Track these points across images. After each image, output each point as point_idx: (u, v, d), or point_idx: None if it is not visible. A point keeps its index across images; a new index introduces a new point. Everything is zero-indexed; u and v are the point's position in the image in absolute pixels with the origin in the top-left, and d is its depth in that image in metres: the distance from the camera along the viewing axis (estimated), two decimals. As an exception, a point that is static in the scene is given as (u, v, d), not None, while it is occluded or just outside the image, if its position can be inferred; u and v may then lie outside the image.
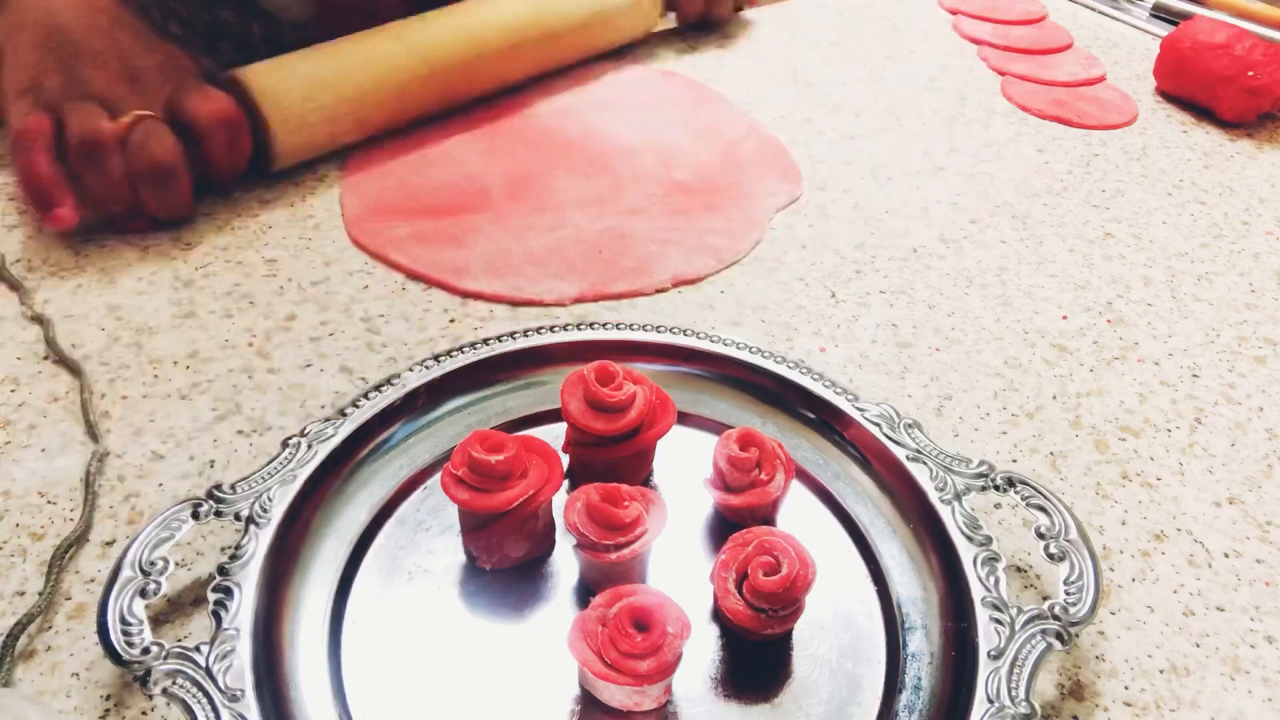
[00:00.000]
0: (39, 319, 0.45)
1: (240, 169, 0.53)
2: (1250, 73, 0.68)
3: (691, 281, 0.51)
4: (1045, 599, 0.34)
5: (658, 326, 0.43)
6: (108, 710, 0.31)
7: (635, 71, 0.71)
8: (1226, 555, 0.39)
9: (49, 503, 0.37)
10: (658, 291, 0.50)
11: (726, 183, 0.59)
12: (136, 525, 0.36)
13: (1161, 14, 0.88)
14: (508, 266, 0.51)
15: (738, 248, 0.54)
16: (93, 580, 0.35)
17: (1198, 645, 0.35)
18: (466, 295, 0.49)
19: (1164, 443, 0.44)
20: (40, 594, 0.34)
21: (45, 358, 0.43)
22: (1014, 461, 0.42)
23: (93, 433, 0.40)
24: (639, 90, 0.69)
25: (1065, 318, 0.51)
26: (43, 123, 0.47)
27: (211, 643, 0.30)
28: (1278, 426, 0.45)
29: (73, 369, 0.43)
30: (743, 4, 0.80)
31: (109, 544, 0.36)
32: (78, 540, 0.36)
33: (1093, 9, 0.90)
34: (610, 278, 0.51)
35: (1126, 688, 0.34)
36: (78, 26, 0.50)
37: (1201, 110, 0.72)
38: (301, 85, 0.54)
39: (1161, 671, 0.35)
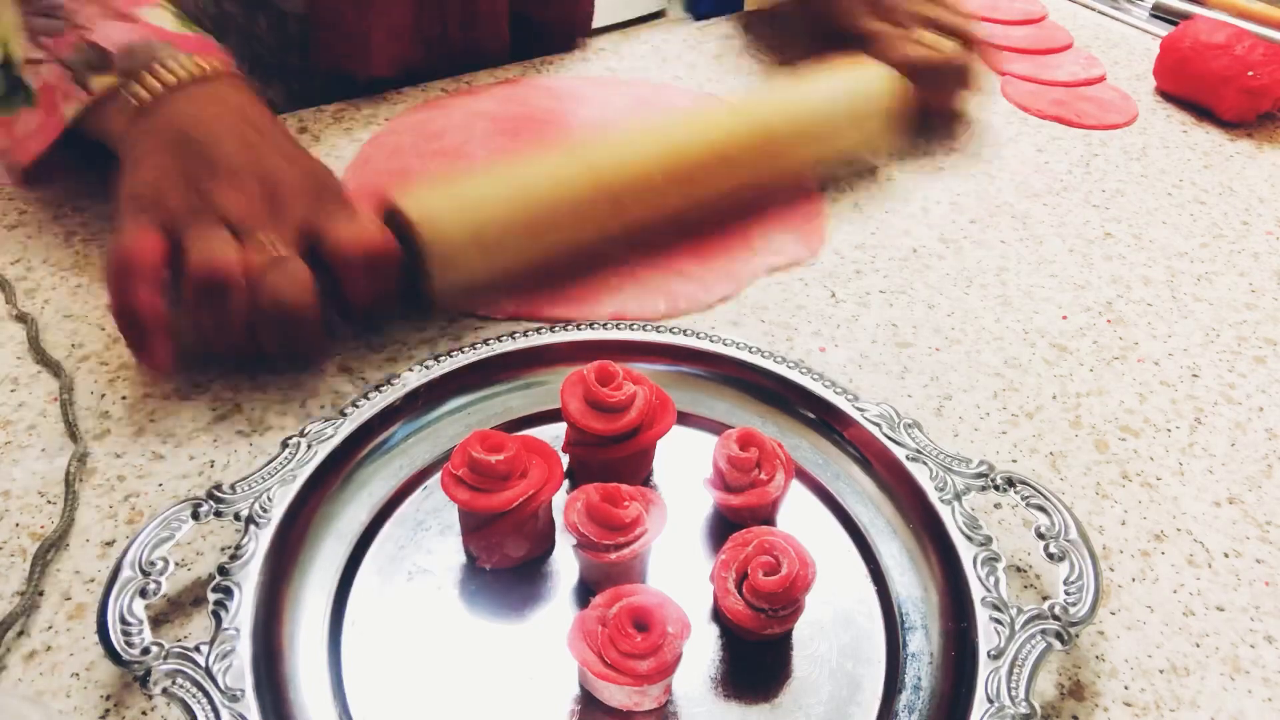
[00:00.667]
0: (22, 318, 0.45)
1: (375, 306, 0.44)
2: (1250, 73, 0.68)
3: (632, 318, 0.47)
4: (1045, 599, 0.34)
5: (658, 326, 0.43)
6: (108, 710, 0.31)
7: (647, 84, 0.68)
8: (1226, 555, 0.39)
9: (49, 503, 0.37)
10: (589, 325, 0.44)
11: (736, 233, 0.54)
12: (136, 525, 0.36)
13: (1161, 14, 0.87)
14: None
15: (699, 298, 0.49)
16: (93, 580, 0.35)
17: (1198, 645, 0.35)
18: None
19: (1164, 443, 0.44)
20: (22, 594, 0.34)
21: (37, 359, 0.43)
22: (1014, 461, 0.42)
23: (73, 433, 0.40)
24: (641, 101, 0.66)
25: (1065, 318, 0.51)
26: (155, 244, 0.40)
27: (211, 643, 0.30)
28: (1278, 426, 0.45)
29: (54, 369, 0.43)
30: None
31: (109, 544, 0.36)
32: (59, 540, 0.36)
33: (1093, 9, 0.90)
34: (555, 301, 0.48)
35: (1126, 688, 0.34)
36: (225, 141, 0.43)
37: (1201, 110, 0.72)
38: (467, 217, 0.45)
39: (1161, 671, 0.35)
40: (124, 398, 0.42)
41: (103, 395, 0.42)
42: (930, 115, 0.64)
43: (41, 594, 0.34)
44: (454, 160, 0.58)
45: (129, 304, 0.39)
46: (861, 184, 0.60)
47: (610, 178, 0.49)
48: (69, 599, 0.34)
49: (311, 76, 0.65)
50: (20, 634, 0.33)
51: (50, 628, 0.33)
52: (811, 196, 0.57)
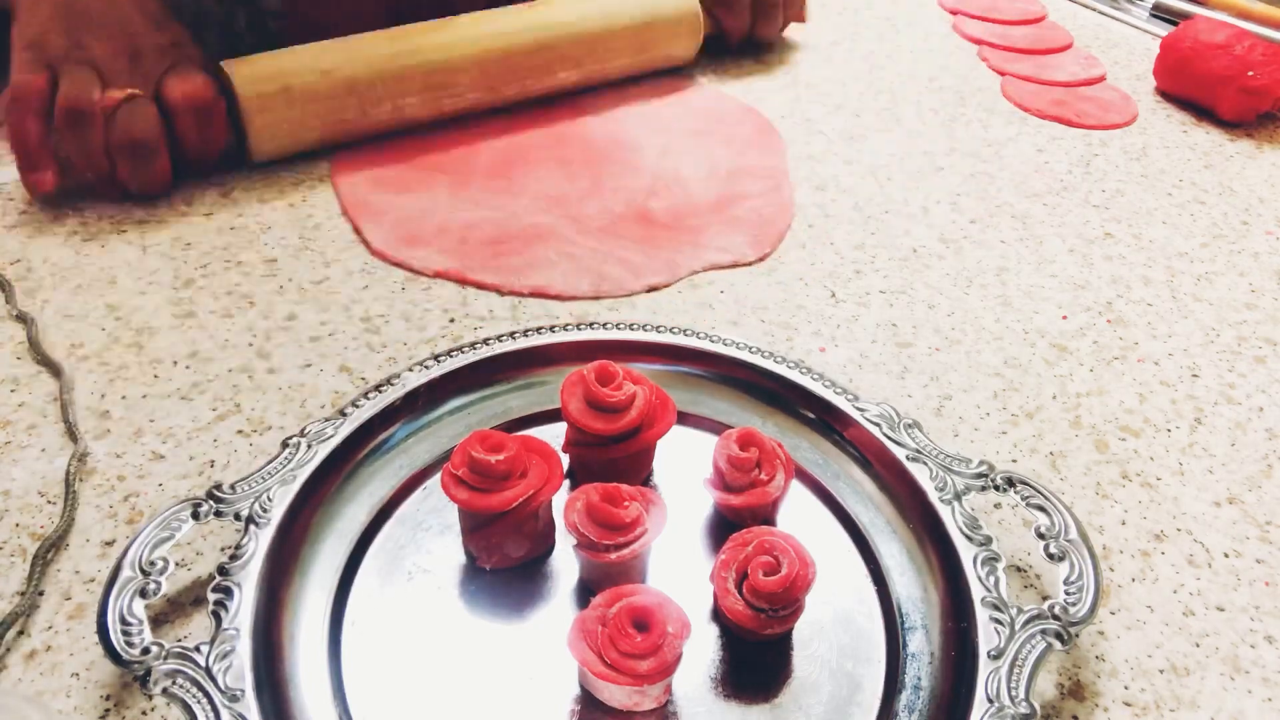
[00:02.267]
0: (22, 318, 0.45)
1: (213, 155, 0.54)
2: (1250, 73, 0.68)
3: (553, 296, 0.49)
4: (1045, 599, 0.34)
5: (658, 326, 0.43)
6: (108, 710, 0.31)
7: (700, 91, 0.70)
8: (1226, 555, 0.39)
9: (49, 503, 0.37)
10: (511, 293, 0.49)
11: (690, 225, 0.55)
12: (136, 525, 0.36)
13: (1161, 14, 0.88)
14: (416, 223, 0.53)
15: (626, 283, 0.50)
16: (93, 580, 0.35)
17: (1198, 645, 0.35)
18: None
19: (1164, 443, 0.44)
20: (22, 594, 0.34)
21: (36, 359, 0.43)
22: (1014, 461, 0.42)
23: (72, 433, 0.40)
24: (692, 109, 0.67)
25: (1065, 318, 0.51)
26: (38, 81, 0.49)
27: (211, 643, 0.30)
28: (1278, 426, 0.45)
29: (53, 370, 0.43)
30: (789, 20, 0.76)
31: (109, 544, 0.36)
32: (59, 540, 0.36)
33: (1093, 9, 0.90)
34: (486, 265, 0.51)
35: (1126, 688, 0.34)
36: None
37: (1201, 110, 0.72)
38: (281, 76, 0.55)
39: (1161, 671, 0.35)
40: (124, 398, 0.42)
41: (103, 395, 0.42)
42: (728, 37, 0.73)
43: (41, 594, 0.34)
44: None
45: (20, 130, 0.49)
46: (862, 184, 0.60)
47: (414, 62, 0.58)
48: (69, 599, 0.34)
49: None
50: (20, 634, 0.33)
51: (50, 628, 0.33)
52: (782, 205, 0.58)
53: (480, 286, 0.50)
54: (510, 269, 0.51)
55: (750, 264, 0.53)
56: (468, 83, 0.61)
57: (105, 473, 0.39)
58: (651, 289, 0.50)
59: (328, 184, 0.56)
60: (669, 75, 0.71)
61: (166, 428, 0.41)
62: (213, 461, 0.39)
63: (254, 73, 0.54)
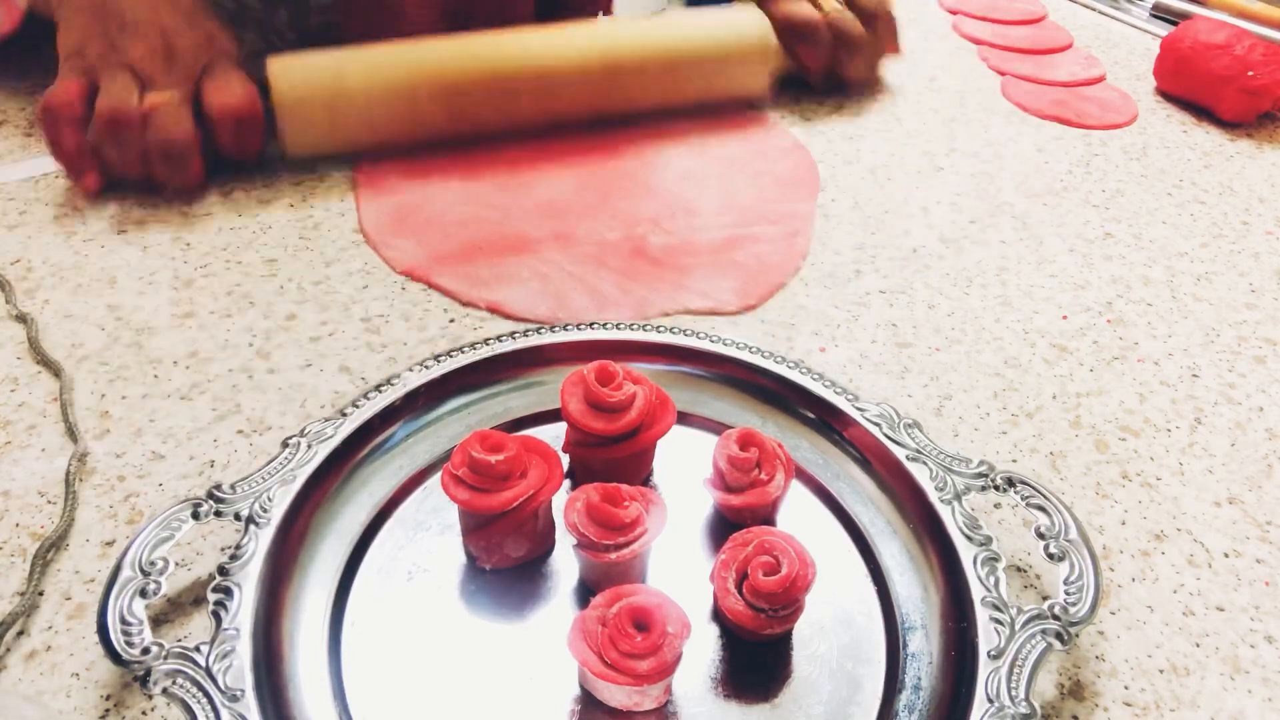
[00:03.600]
0: (22, 318, 0.45)
1: (250, 156, 0.55)
2: (1250, 73, 0.68)
3: (506, 314, 0.48)
4: (1045, 599, 0.34)
5: (658, 326, 0.43)
6: (108, 710, 0.31)
7: (760, 126, 0.65)
8: (1226, 555, 0.39)
9: (49, 503, 0.37)
10: (468, 304, 0.48)
11: (680, 264, 0.52)
12: (136, 525, 0.36)
13: (1161, 14, 0.88)
14: (410, 211, 0.54)
15: (588, 314, 0.48)
16: (93, 580, 0.35)
17: (1198, 645, 0.35)
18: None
19: (1164, 443, 0.44)
20: (22, 594, 0.34)
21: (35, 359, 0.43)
22: (1014, 461, 0.42)
23: (72, 433, 0.40)
24: (738, 140, 0.63)
25: (1065, 318, 0.51)
26: (72, 90, 0.50)
27: (211, 643, 0.30)
28: (1278, 426, 0.45)
29: (54, 370, 0.43)
30: (879, 56, 0.70)
31: (109, 544, 0.36)
32: (59, 540, 0.36)
33: (1093, 9, 0.90)
34: (455, 269, 0.50)
35: (1126, 688, 0.34)
36: (137, 2, 0.52)
37: (1201, 110, 0.72)
38: (325, 79, 0.54)
39: (1161, 671, 0.35)
40: (124, 398, 0.42)
41: (103, 395, 0.42)
42: (808, 73, 0.68)
43: (41, 594, 0.34)
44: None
45: (57, 143, 0.51)
46: (862, 184, 0.60)
47: (473, 76, 0.57)
48: (69, 599, 0.34)
49: None
50: (20, 634, 0.33)
51: (50, 628, 0.33)
52: (790, 254, 0.53)
53: (441, 291, 0.49)
54: (476, 277, 0.50)
55: (730, 313, 0.49)
56: (529, 102, 0.59)
57: (105, 473, 0.39)
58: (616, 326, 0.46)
59: (328, 183, 0.56)
60: (736, 108, 0.66)
61: (166, 428, 0.41)
62: (213, 461, 0.39)
63: (297, 74, 0.54)
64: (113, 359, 0.44)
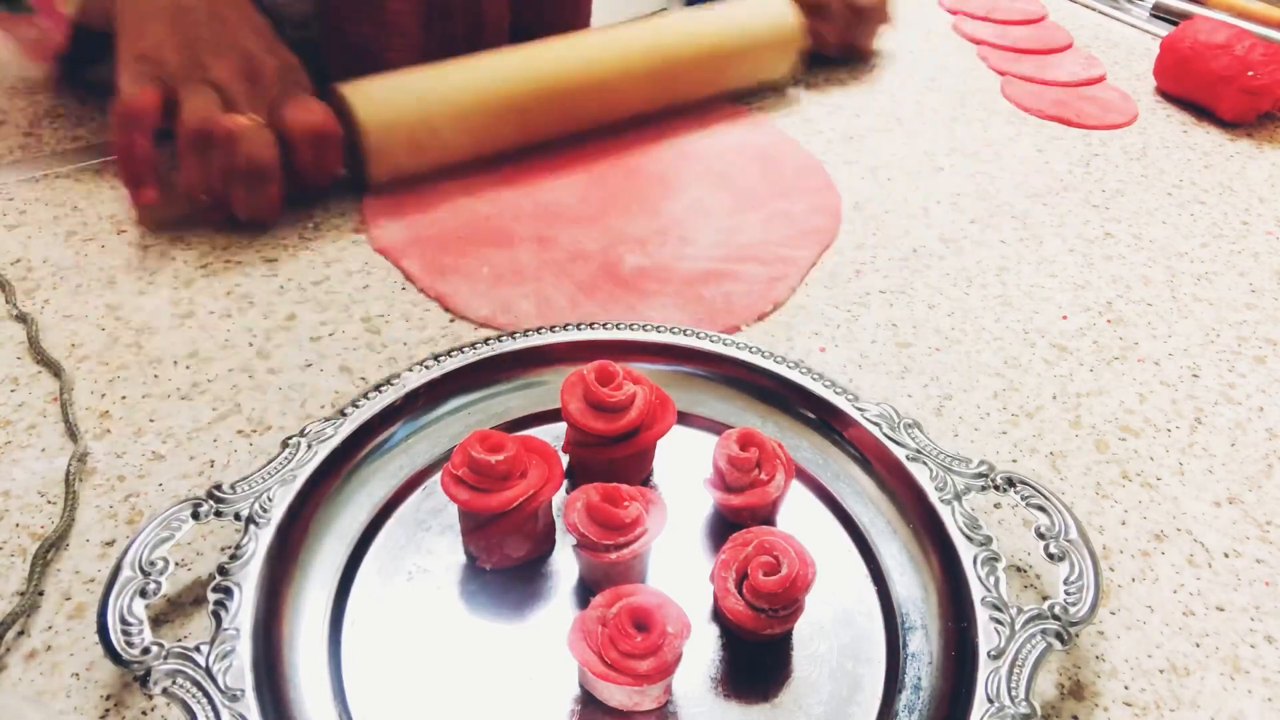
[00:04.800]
0: (22, 318, 0.45)
1: (325, 183, 0.54)
2: (1250, 73, 0.68)
3: (448, 307, 0.48)
4: (1045, 599, 0.34)
5: (658, 326, 0.43)
6: (108, 710, 0.31)
7: (758, 129, 0.66)
8: (1226, 555, 0.39)
9: (49, 503, 0.37)
10: (422, 291, 0.49)
11: (644, 288, 0.50)
12: (136, 525, 0.36)
13: (1161, 14, 0.88)
14: (411, 194, 0.55)
15: (522, 323, 0.47)
16: (93, 580, 0.35)
17: (1198, 645, 0.35)
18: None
19: (1164, 443, 0.44)
20: (22, 594, 0.34)
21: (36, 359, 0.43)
22: (1014, 461, 0.42)
23: (72, 433, 0.40)
24: (767, 157, 0.62)
25: (1065, 318, 0.51)
26: (152, 98, 0.48)
27: (211, 643, 0.30)
28: (1278, 426, 0.45)
29: (54, 370, 0.43)
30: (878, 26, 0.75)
31: (109, 544, 0.36)
32: (59, 540, 0.36)
33: (1093, 9, 0.90)
34: (422, 254, 0.51)
35: (1126, 688, 0.34)
36: (206, 14, 0.51)
37: (1201, 110, 0.72)
38: (401, 103, 0.54)
39: (1161, 671, 0.35)
40: (124, 398, 0.42)
41: (103, 395, 0.42)
42: (827, 48, 0.72)
43: (41, 594, 0.34)
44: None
45: (129, 149, 0.48)
46: (862, 184, 0.60)
47: (540, 87, 0.58)
48: (69, 599, 0.34)
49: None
50: (20, 634, 0.33)
51: (50, 628, 0.33)
52: (763, 298, 0.50)
53: (404, 273, 0.50)
54: (438, 265, 0.51)
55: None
56: (592, 108, 0.61)
57: (105, 473, 0.39)
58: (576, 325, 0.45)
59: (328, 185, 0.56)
60: (755, 112, 0.67)
61: (166, 428, 0.41)
62: (213, 461, 0.39)
63: (377, 100, 0.54)
64: (112, 359, 0.44)
